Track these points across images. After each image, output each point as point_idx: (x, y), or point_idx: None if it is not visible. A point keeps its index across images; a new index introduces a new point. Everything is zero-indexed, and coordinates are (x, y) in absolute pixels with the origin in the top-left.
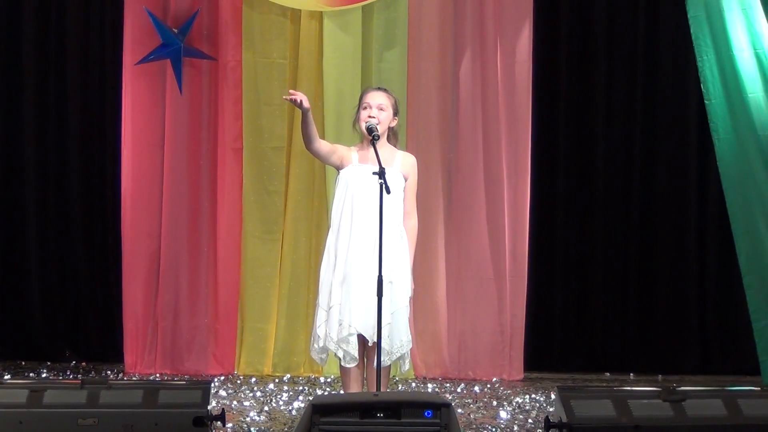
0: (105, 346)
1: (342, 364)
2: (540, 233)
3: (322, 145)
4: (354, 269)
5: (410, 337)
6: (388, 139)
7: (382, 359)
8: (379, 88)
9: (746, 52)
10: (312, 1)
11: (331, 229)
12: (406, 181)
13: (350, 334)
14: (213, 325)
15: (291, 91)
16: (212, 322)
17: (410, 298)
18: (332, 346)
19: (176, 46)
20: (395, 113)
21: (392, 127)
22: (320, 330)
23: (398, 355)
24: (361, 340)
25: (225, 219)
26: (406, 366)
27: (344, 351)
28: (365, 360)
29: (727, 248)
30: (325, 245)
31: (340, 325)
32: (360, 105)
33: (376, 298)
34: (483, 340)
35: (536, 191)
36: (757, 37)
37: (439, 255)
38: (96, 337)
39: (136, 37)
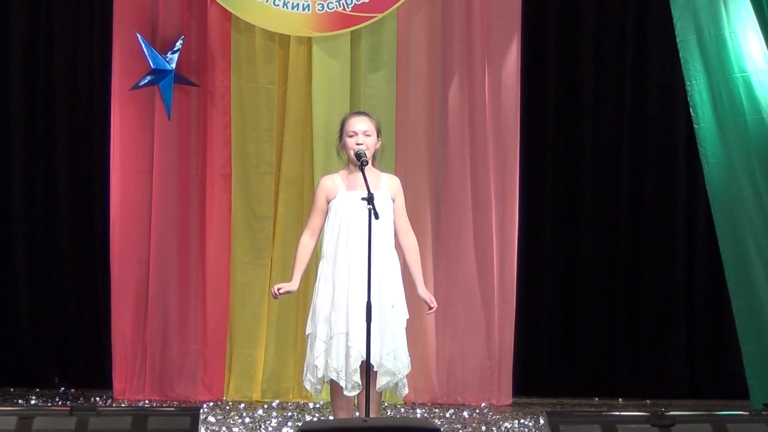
0: (94, 372)
1: (346, 393)
2: (528, 259)
3: (318, 229)
4: (358, 298)
5: (410, 359)
6: (372, 161)
7: (387, 380)
8: (360, 113)
9: (739, 74)
10: (301, 26)
11: (325, 259)
12: (393, 202)
13: (355, 360)
14: (202, 351)
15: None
16: (201, 347)
17: (407, 320)
18: (334, 375)
19: (167, 72)
20: (378, 135)
21: (376, 149)
22: (319, 361)
23: (401, 376)
24: (362, 366)
25: (214, 245)
26: (406, 390)
27: (353, 381)
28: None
29: (716, 272)
30: (316, 273)
31: (347, 353)
32: (343, 132)
33: (380, 325)
34: (471, 366)
35: (524, 216)
36: (743, 59)
37: (428, 280)
38: (85, 363)
39: (125, 62)
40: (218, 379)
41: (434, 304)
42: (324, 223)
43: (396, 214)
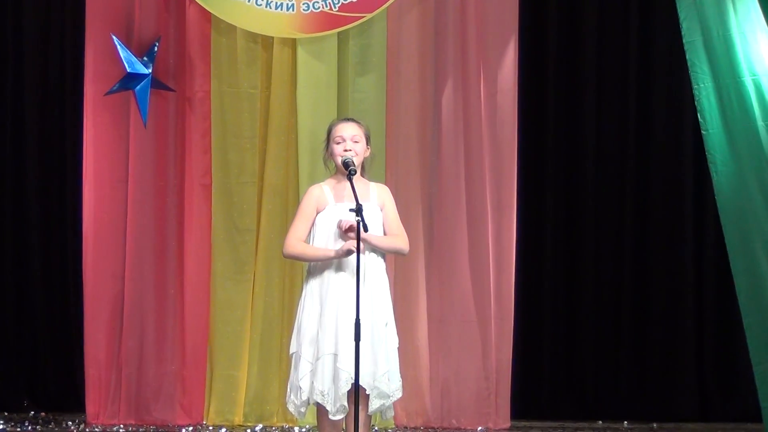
0: (66, 395)
1: (331, 417)
2: (527, 273)
3: (304, 237)
4: (348, 316)
5: (401, 381)
6: (361, 171)
7: (380, 403)
8: (348, 119)
9: (749, 78)
10: (285, 27)
11: (312, 275)
12: (382, 211)
13: (346, 384)
14: (180, 372)
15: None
16: (180, 368)
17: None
18: (320, 398)
19: (144, 76)
20: (367, 143)
21: (365, 158)
22: (303, 382)
23: (395, 399)
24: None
25: (193, 259)
26: (392, 411)
27: (340, 404)
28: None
29: (726, 287)
30: (303, 290)
31: (336, 375)
32: (331, 139)
33: (373, 345)
34: (467, 387)
35: (523, 228)
36: (753, 62)
37: (420, 296)
38: (56, 385)
39: (98, 66)
40: (198, 402)
41: (353, 222)
42: (309, 232)
43: (387, 221)
